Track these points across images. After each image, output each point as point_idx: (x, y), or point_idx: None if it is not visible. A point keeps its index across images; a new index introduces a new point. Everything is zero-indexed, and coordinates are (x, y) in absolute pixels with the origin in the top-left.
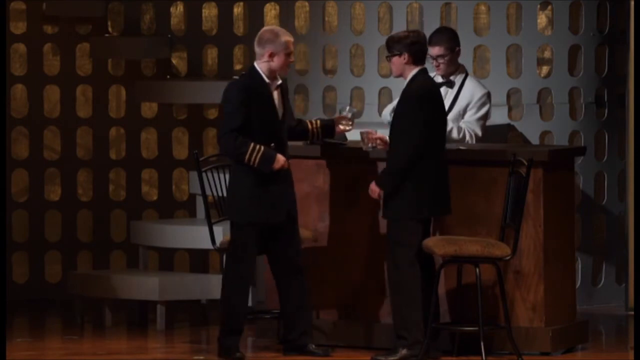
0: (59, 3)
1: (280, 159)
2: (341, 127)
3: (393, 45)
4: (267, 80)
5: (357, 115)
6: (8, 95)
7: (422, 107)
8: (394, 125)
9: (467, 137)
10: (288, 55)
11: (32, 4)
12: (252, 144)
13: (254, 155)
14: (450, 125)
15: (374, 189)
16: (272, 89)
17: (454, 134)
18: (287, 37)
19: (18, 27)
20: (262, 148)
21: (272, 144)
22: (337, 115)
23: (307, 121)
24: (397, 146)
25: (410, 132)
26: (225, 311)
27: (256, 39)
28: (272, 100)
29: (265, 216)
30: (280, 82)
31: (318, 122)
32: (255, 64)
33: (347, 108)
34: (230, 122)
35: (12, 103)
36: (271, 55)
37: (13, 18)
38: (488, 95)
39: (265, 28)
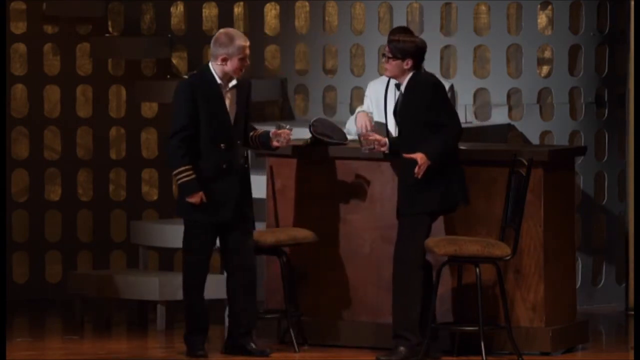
0: (59, 3)
1: (195, 198)
2: (275, 142)
3: (397, 50)
4: (219, 80)
5: (288, 134)
6: (8, 95)
7: (442, 93)
8: (412, 122)
9: None
10: (242, 59)
11: (32, 4)
12: (186, 166)
13: (182, 175)
14: None
15: (424, 162)
16: (224, 89)
17: None
18: (241, 42)
19: (18, 27)
20: (192, 176)
21: (222, 145)
22: (274, 130)
23: (252, 131)
24: (443, 130)
25: (447, 117)
26: (185, 310)
27: (212, 39)
28: (222, 101)
29: (211, 214)
30: (235, 83)
31: (257, 133)
32: (210, 64)
33: (282, 125)
34: (175, 123)
35: (12, 103)
36: (224, 60)
37: (13, 18)
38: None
39: (222, 30)
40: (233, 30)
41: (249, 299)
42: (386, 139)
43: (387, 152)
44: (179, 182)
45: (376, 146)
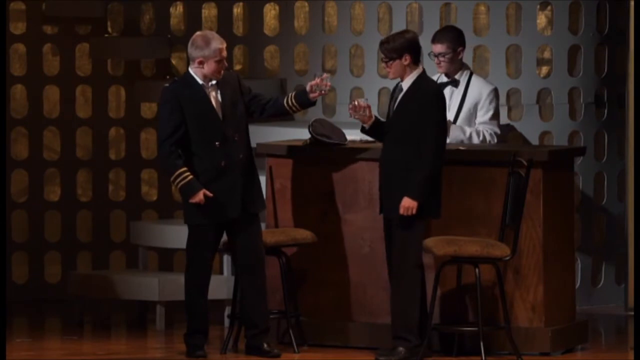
0: (59, 3)
1: (198, 197)
2: (316, 94)
3: (391, 50)
4: (200, 82)
5: (326, 77)
6: (8, 95)
7: (441, 106)
8: (408, 124)
9: (489, 138)
10: (218, 62)
11: (31, 4)
12: (181, 169)
13: (179, 179)
14: (467, 131)
15: (410, 205)
16: (207, 89)
17: (475, 139)
18: (217, 44)
19: (18, 27)
20: (189, 178)
21: (217, 143)
22: (309, 84)
23: (284, 98)
24: (425, 150)
25: (434, 132)
26: (186, 311)
27: (189, 42)
28: (208, 100)
29: (218, 215)
30: (215, 81)
31: (292, 95)
32: (189, 68)
33: (318, 73)
34: (162, 131)
35: (11, 103)
36: (201, 62)
37: (13, 18)
38: (495, 91)
39: (199, 33)
40: (210, 32)
41: (261, 299)
42: (374, 116)
43: (366, 127)
44: (178, 186)
45: (364, 114)
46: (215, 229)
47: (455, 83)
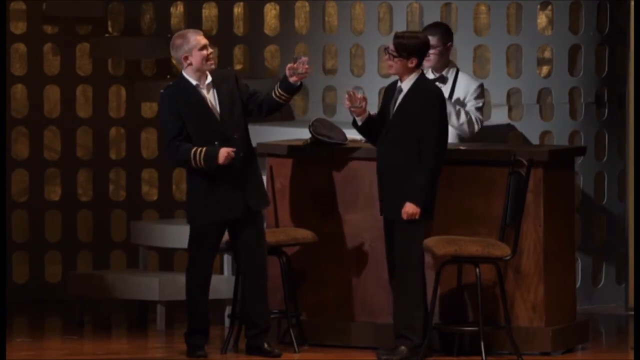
0: (59, 3)
1: (222, 152)
2: (294, 77)
3: (403, 47)
4: (195, 82)
5: (304, 61)
6: (8, 95)
7: (442, 106)
8: (410, 125)
9: (474, 121)
10: (202, 49)
11: (32, 4)
12: (192, 150)
13: (197, 158)
14: (456, 105)
15: (413, 211)
16: (203, 90)
17: (462, 116)
18: (194, 35)
19: (18, 27)
20: (202, 149)
21: (216, 143)
22: (287, 67)
23: (272, 91)
24: (426, 151)
25: (435, 132)
26: (188, 310)
27: (170, 48)
28: (204, 101)
29: (223, 213)
30: (210, 80)
31: (277, 85)
32: (182, 72)
33: (296, 57)
34: (166, 133)
35: (12, 103)
36: (186, 59)
37: (13, 18)
38: (482, 86)
39: (174, 35)
40: (184, 30)
41: (262, 298)
42: (368, 112)
43: (359, 123)
44: (200, 161)
45: (359, 106)
46: (218, 228)
47: (442, 80)
